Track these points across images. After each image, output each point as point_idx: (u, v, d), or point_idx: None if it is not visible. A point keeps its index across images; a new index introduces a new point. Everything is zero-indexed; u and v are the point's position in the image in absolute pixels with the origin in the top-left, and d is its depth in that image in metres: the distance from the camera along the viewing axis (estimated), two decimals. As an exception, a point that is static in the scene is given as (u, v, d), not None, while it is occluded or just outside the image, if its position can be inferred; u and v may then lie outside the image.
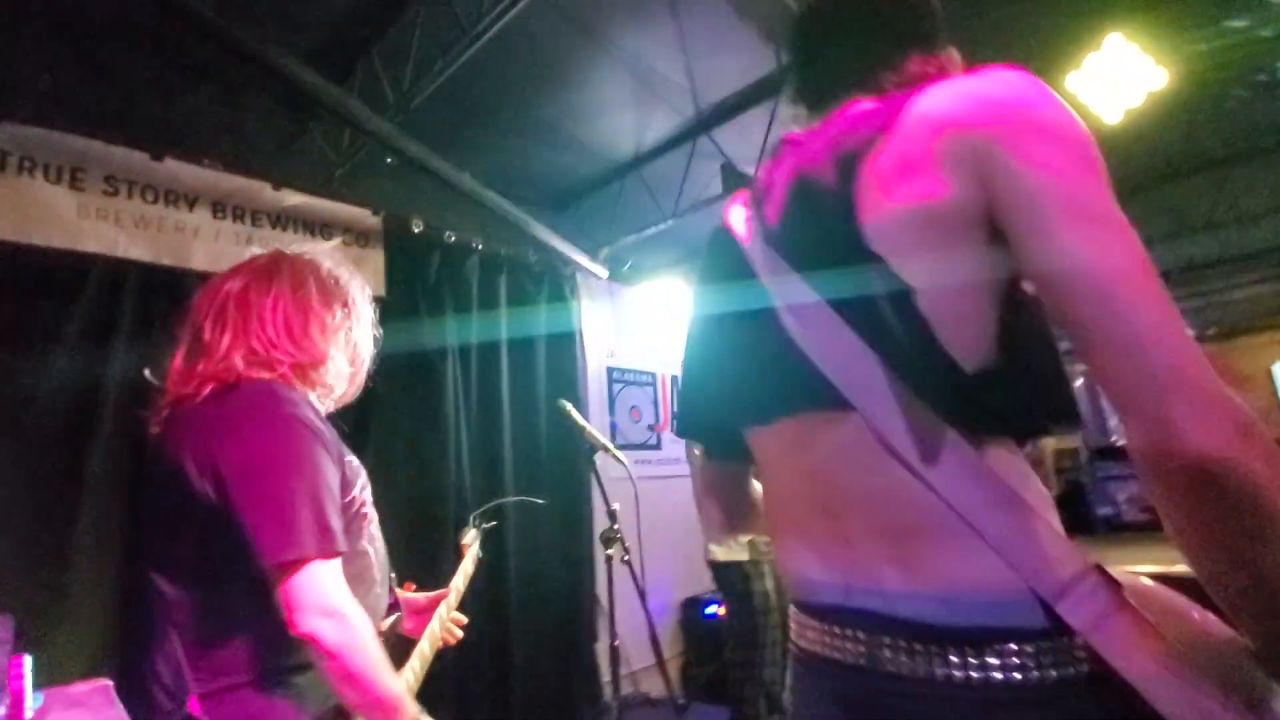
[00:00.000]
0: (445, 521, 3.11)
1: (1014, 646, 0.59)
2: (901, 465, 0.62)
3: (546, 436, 3.74)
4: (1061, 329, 0.60)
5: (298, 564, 0.86)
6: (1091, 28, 2.28)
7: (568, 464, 3.77)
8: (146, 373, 1.05)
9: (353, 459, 1.07)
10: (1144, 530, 5.72)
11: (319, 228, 3.10)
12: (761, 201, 0.79)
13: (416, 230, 3.32)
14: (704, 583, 4.32)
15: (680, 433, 1.01)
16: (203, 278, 1.21)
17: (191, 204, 2.63)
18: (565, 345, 3.94)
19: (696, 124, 3.52)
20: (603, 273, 4.08)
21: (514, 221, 3.35)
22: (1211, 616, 0.60)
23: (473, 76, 2.77)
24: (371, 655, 0.89)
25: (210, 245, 2.69)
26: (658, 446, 4.50)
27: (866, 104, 0.74)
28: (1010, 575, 0.58)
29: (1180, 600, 0.63)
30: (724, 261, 0.82)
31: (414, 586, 1.42)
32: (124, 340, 2.32)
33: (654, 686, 3.77)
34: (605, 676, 3.74)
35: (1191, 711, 0.51)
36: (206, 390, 0.96)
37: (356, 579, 1.02)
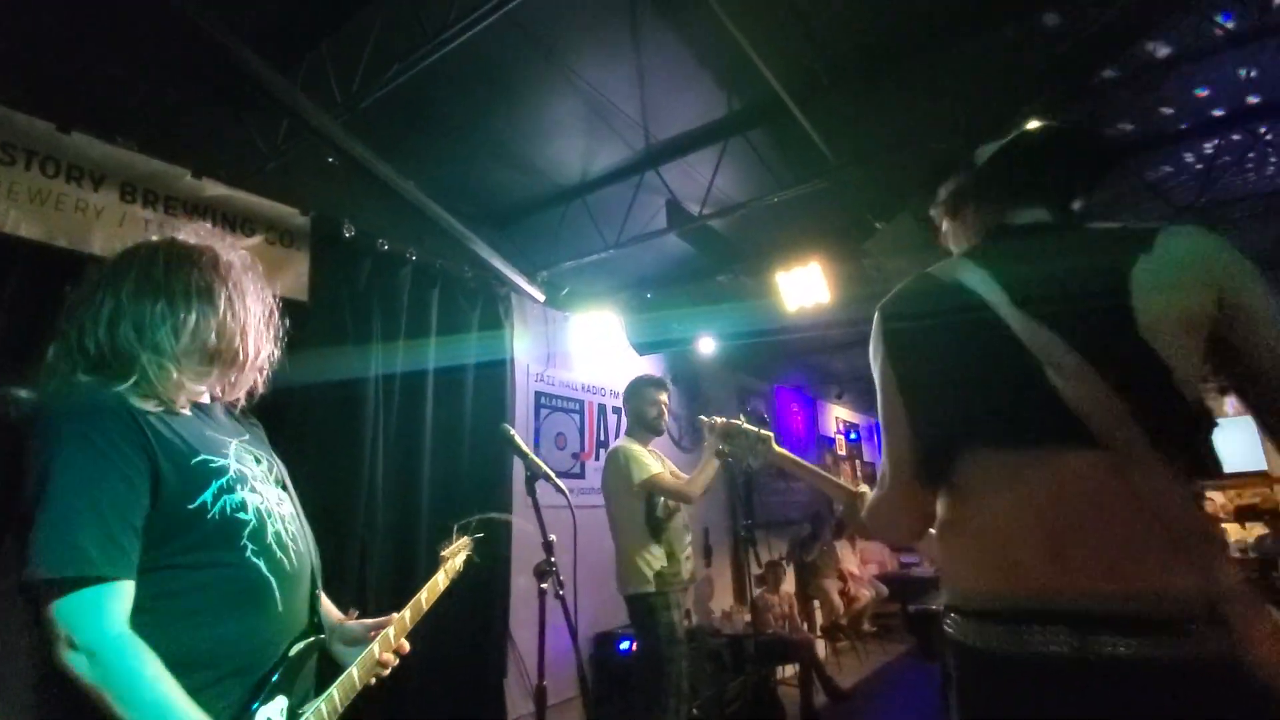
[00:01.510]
0: (349, 562, 2.88)
1: (1192, 631, 0.81)
2: (1131, 495, 0.87)
3: (469, 459, 3.59)
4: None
5: (44, 591, 0.81)
6: (1017, 114, 2.50)
7: (487, 492, 3.63)
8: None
9: (215, 458, 1.00)
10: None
11: (240, 222, 2.90)
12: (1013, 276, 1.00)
13: (348, 235, 3.16)
14: (617, 618, 4.26)
15: (922, 456, 1.11)
16: (101, 264, 1.12)
17: (97, 183, 2.39)
18: (496, 366, 3.82)
19: (645, 158, 3.57)
20: (540, 296, 4.02)
21: (455, 235, 3.24)
22: None
23: (425, 84, 2.69)
24: (142, 692, 0.81)
25: (113, 230, 2.44)
26: (581, 475, 4.44)
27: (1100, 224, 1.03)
28: (1198, 581, 0.83)
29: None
30: (961, 307, 1.01)
31: (356, 614, 1.32)
32: (1, 324, 2.05)
33: (562, 726, 3.64)
34: (511, 714, 3.58)
35: None
36: (23, 394, 0.96)
37: (240, 596, 0.96)
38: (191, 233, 1.11)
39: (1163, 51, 2.49)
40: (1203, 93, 3.06)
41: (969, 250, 1.10)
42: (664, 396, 3.18)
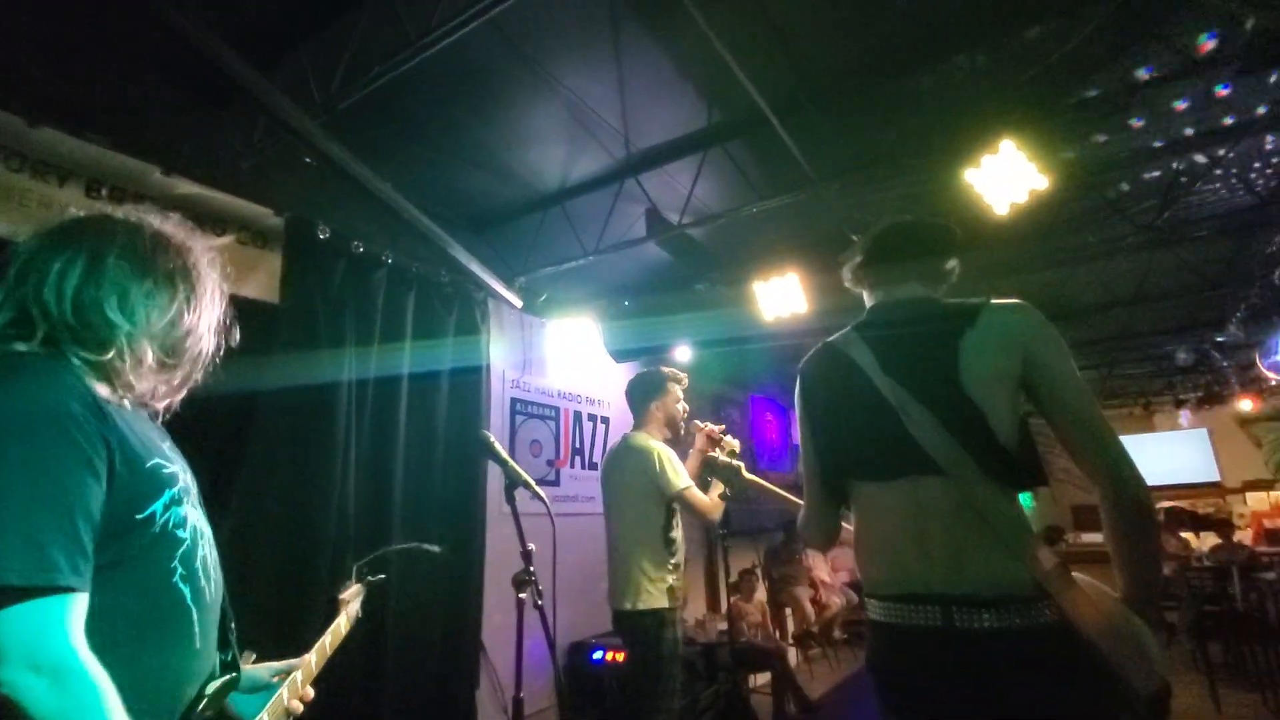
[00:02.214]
0: (320, 571, 2.80)
1: (1018, 605, 1.11)
2: (970, 508, 1.17)
3: (442, 467, 3.54)
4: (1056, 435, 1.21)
5: (2, 596, 0.67)
6: (990, 134, 2.58)
7: (460, 501, 3.58)
8: None
9: (166, 464, 0.89)
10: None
11: (211, 222, 2.83)
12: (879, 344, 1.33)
13: (322, 236, 3.10)
14: (591, 627, 4.23)
15: (821, 482, 1.44)
16: (49, 229, 0.97)
17: (64, 179, 2.31)
18: (471, 372, 3.77)
19: (625, 166, 3.59)
20: (518, 302, 4.00)
21: (432, 239, 3.21)
22: (1105, 587, 1.15)
23: (405, 87, 2.67)
24: None
25: (79, 227, 2.37)
26: (556, 483, 4.41)
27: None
28: (1018, 565, 1.13)
29: (1096, 582, 1.15)
30: (847, 373, 1.33)
31: (254, 657, 1.18)
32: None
33: (533, 736, 3.60)
34: (483, 726, 3.53)
35: (1098, 626, 1.06)
36: None
37: (161, 625, 0.84)
38: (161, 220, 1.02)
39: (1141, 74, 2.59)
40: (1181, 105, 3.15)
41: (857, 325, 1.41)
42: (683, 388, 2.93)
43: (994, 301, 1.27)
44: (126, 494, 0.81)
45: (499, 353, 4.08)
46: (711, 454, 2.02)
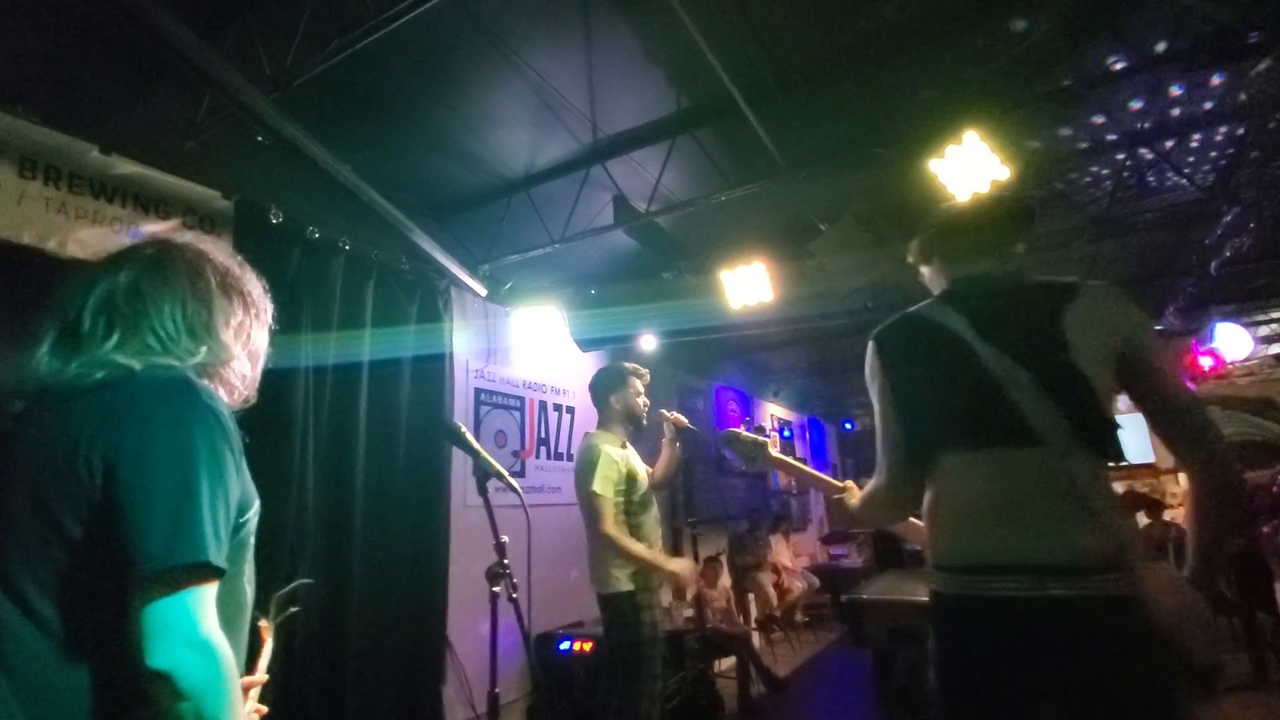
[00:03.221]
0: (278, 568, 2.67)
1: (1109, 576, 1.13)
2: (1065, 479, 1.18)
3: (405, 459, 3.44)
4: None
5: (180, 575, 0.75)
6: (955, 125, 2.62)
7: (424, 493, 3.50)
8: None
9: (249, 479, 0.94)
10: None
11: (154, 205, 2.67)
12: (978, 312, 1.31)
13: (275, 221, 2.96)
14: (558, 618, 4.21)
15: (911, 452, 1.38)
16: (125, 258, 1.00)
17: (-10, 156, 2.14)
18: (434, 363, 3.68)
19: (592, 153, 3.53)
20: (482, 290, 3.91)
21: (392, 225, 3.10)
22: (1170, 566, 1.27)
23: (363, 64, 2.56)
24: (234, 706, 0.76)
25: (11, 209, 2.21)
26: (521, 473, 4.35)
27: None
28: (1109, 539, 1.15)
29: (1166, 563, 1.28)
30: (942, 341, 1.31)
31: None
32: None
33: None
34: (450, 721, 3.47)
35: (1176, 606, 1.15)
36: (97, 376, 0.82)
37: (230, 621, 0.87)
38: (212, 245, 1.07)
39: (1116, 63, 2.66)
40: (1136, 104, 3.26)
41: (943, 295, 1.39)
42: (645, 384, 2.98)
43: (1086, 281, 1.28)
44: (240, 499, 0.89)
45: (462, 342, 3.98)
46: (734, 430, 2.03)
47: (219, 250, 1.04)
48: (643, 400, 2.94)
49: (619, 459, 2.73)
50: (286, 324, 3.12)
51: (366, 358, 3.31)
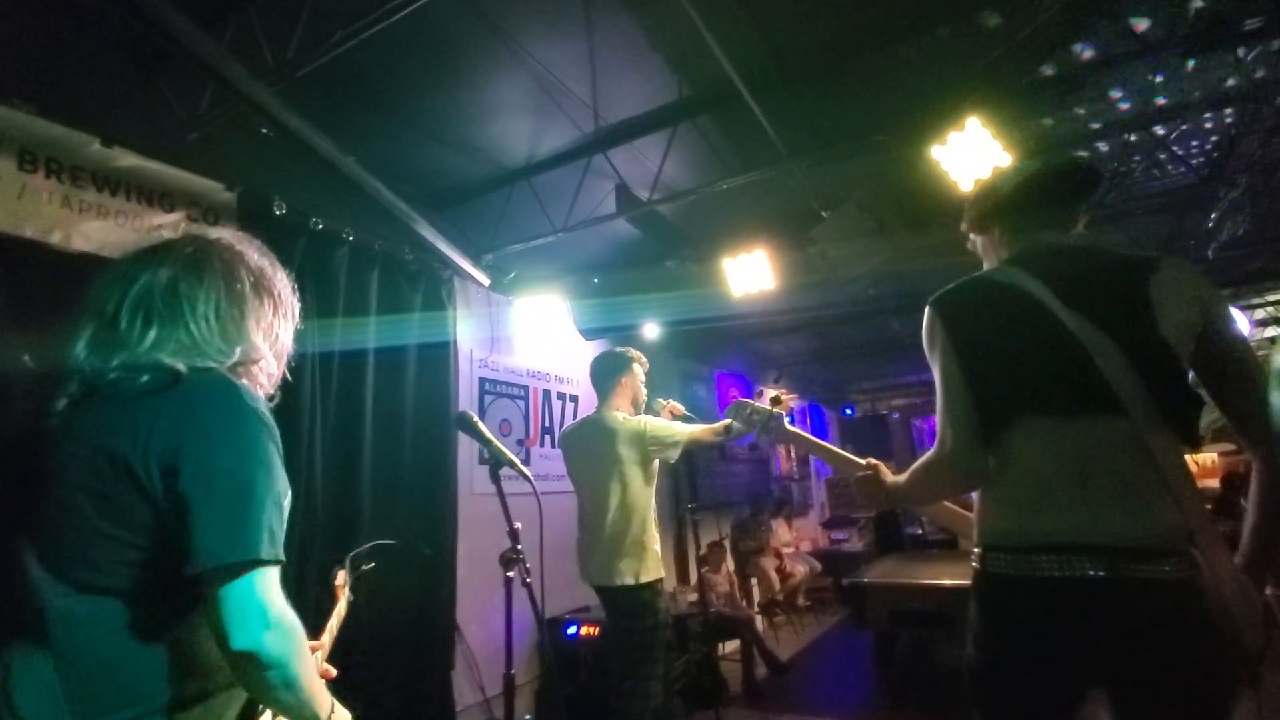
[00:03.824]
0: (287, 553, 2.72)
1: (1178, 558, 1.10)
2: (1144, 452, 1.14)
3: (411, 448, 3.47)
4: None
5: (246, 567, 0.81)
6: (956, 111, 2.62)
7: (431, 481, 3.53)
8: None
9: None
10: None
11: (158, 197, 2.67)
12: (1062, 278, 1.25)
13: (279, 212, 2.96)
14: (565, 603, 4.25)
15: (985, 419, 1.29)
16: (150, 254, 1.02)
17: (-8, 150, 2.14)
18: (439, 353, 3.69)
19: (594, 141, 3.52)
20: (485, 280, 3.92)
21: (395, 215, 3.10)
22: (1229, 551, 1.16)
23: (364, 55, 2.55)
24: (311, 667, 0.86)
25: (12, 203, 2.21)
26: (526, 462, 4.36)
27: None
28: (1181, 517, 1.12)
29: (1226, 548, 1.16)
30: (1018, 305, 1.24)
31: None
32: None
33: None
34: (459, 704, 3.52)
35: (1235, 590, 1.11)
36: (143, 379, 0.86)
37: None
38: (239, 241, 1.09)
39: (1087, 54, 2.67)
40: (1115, 94, 3.28)
41: (1013, 259, 1.32)
42: (646, 370, 3.03)
43: (1166, 255, 1.25)
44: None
45: (466, 331, 4.00)
46: (745, 399, 2.06)
47: (252, 249, 1.06)
48: (645, 389, 2.98)
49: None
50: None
51: (371, 347, 3.33)
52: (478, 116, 3.30)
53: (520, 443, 4.41)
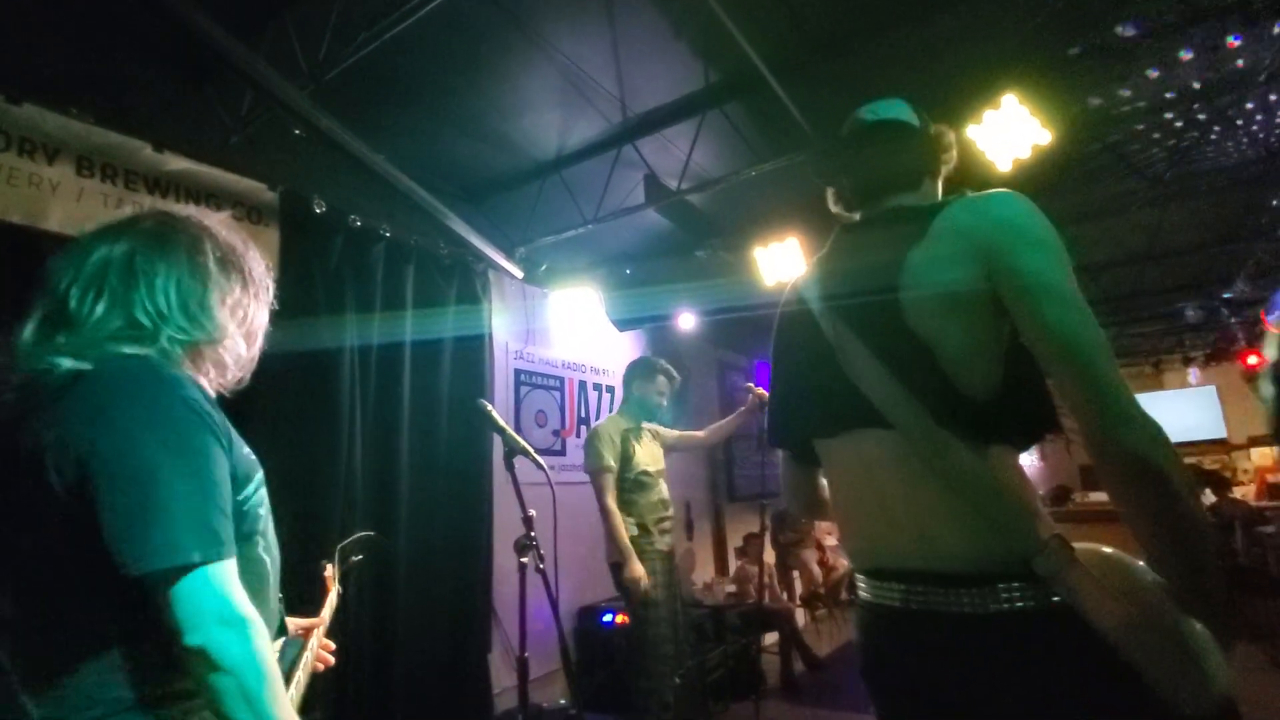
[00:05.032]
0: (329, 536, 2.83)
1: (1001, 586, 0.86)
2: (921, 468, 0.92)
3: (447, 437, 3.57)
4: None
5: (178, 572, 0.75)
6: (992, 89, 2.52)
7: (466, 468, 3.62)
8: None
9: (247, 451, 0.94)
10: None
11: (205, 198, 2.81)
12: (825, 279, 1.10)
13: (318, 211, 3.08)
14: (601, 591, 4.30)
15: (773, 444, 1.25)
16: (59, 241, 1.05)
17: (52, 156, 2.29)
18: (474, 345, 3.78)
19: (622, 132, 3.53)
20: (518, 273, 3.98)
21: (429, 211, 3.18)
22: (1142, 565, 0.87)
23: (394, 54, 2.62)
24: (273, 673, 0.79)
25: (70, 205, 2.36)
26: (562, 452, 4.44)
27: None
28: (1002, 541, 0.87)
29: (1125, 558, 0.90)
30: (796, 313, 1.12)
31: None
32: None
33: (544, 696, 3.69)
34: (496, 688, 3.62)
35: (1111, 621, 0.78)
36: (65, 366, 0.80)
37: (251, 589, 0.90)
38: (209, 218, 1.04)
39: (1129, 32, 2.51)
40: (1153, 74, 3.07)
41: (816, 257, 1.18)
42: (670, 387, 3.25)
43: (965, 195, 0.97)
44: (234, 476, 0.89)
45: (501, 324, 4.07)
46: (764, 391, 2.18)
47: (223, 226, 1.01)
48: (661, 400, 3.21)
49: (617, 439, 3.05)
50: (331, 308, 3.29)
51: (409, 339, 3.43)
52: (507, 111, 3.35)
53: (556, 433, 4.47)
